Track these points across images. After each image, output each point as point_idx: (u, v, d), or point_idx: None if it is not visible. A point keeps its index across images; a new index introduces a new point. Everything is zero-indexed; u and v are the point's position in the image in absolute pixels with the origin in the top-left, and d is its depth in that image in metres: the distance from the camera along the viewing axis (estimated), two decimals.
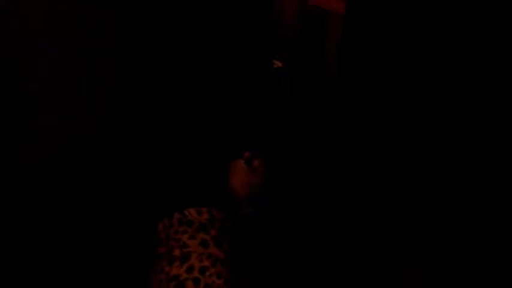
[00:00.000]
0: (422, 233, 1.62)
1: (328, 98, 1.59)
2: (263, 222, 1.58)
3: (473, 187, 1.59)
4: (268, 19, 1.57)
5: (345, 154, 1.63)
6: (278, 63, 1.58)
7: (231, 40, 1.56)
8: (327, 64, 1.57)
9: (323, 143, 1.63)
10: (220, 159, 1.54)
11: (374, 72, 1.58)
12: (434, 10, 1.54)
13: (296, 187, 1.64)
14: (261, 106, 1.60)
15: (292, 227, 1.63)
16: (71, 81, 1.69)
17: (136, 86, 1.63)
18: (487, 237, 1.58)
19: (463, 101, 1.60)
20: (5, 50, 1.66)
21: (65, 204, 1.67)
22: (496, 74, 1.51)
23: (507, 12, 1.57)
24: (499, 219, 1.56)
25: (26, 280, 1.66)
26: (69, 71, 1.69)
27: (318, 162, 1.65)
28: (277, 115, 1.60)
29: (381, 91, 1.59)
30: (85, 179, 1.69)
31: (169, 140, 1.57)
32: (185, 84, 1.58)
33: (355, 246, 1.64)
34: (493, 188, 1.58)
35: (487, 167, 1.58)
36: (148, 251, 1.48)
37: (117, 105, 1.69)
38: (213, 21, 1.56)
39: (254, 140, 1.55)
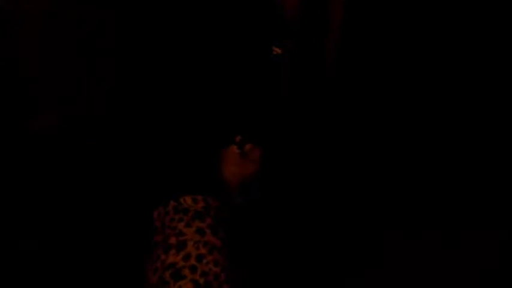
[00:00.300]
0: (403, 197, 1.57)
1: (328, 86, 1.54)
2: (254, 211, 1.51)
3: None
4: (268, 5, 1.53)
5: (343, 141, 1.57)
6: (278, 50, 1.53)
7: (231, 29, 1.51)
8: (328, 52, 1.52)
9: (322, 132, 1.57)
10: (214, 146, 1.49)
11: (376, 61, 1.53)
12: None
13: (292, 175, 1.58)
14: (258, 93, 1.55)
15: (284, 214, 1.57)
16: (71, 81, 1.66)
17: (136, 82, 1.59)
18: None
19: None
20: (5, 50, 1.63)
21: (65, 203, 1.63)
22: None
23: (507, 12, 1.54)
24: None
25: (26, 280, 1.59)
26: (69, 71, 1.66)
27: (316, 151, 1.59)
28: (275, 103, 1.55)
29: (382, 81, 1.54)
30: (84, 177, 1.65)
31: (165, 129, 1.52)
32: (182, 73, 1.53)
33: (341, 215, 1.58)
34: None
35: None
36: (144, 240, 1.42)
37: (118, 103, 1.64)
38: (213, 7, 1.52)
39: (248, 126, 1.50)
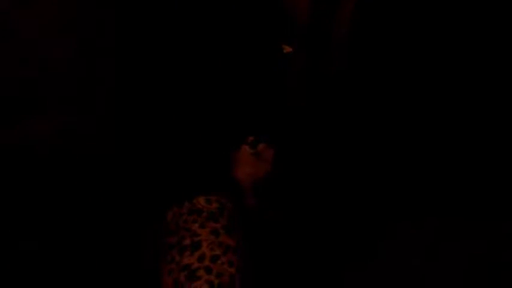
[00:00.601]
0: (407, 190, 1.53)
1: (338, 86, 1.50)
2: (266, 211, 1.47)
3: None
4: (276, 8, 1.48)
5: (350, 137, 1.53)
6: (288, 48, 1.48)
7: (237, 27, 1.46)
8: (337, 49, 1.47)
9: (330, 128, 1.53)
10: (227, 146, 1.43)
11: (384, 64, 1.49)
12: None
13: (302, 170, 1.54)
14: (268, 92, 1.50)
15: (298, 217, 1.52)
16: (71, 81, 1.60)
17: (137, 80, 1.53)
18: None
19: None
20: (6, 50, 1.55)
21: (65, 203, 1.56)
22: None
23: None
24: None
25: (26, 280, 1.52)
26: (69, 71, 1.60)
27: (325, 144, 1.54)
28: (286, 101, 1.50)
29: (389, 83, 1.50)
30: (85, 177, 1.59)
31: (174, 130, 1.46)
32: (189, 72, 1.48)
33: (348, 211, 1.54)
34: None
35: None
36: (158, 241, 1.36)
37: (118, 103, 1.59)
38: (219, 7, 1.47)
39: (260, 126, 1.45)
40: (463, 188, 1.52)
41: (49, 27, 1.58)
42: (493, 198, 1.50)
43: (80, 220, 1.59)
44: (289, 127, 1.50)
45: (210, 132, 1.48)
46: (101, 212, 1.59)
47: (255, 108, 1.50)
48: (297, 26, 1.48)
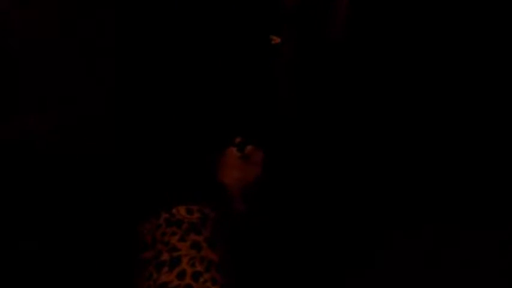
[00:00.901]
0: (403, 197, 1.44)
1: (330, 76, 1.37)
2: (257, 218, 1.35)
3: None
4: None
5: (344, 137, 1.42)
6: (276, 39, 1.34)
7: (229, 21, 1.35)
8: (331, 36, 1.34)
9: (322, 127, 1.42)
10: (211, 149, 1.32)
11: (381, 46, 1.35)
12: None
13: (294, 175, 1.43)
14: (256, 89, 1.38)
15: (287, 217, 1.42)
16: (71, 81, 1.55)
17: (136, 85, 1.45)
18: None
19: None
20: (6, 50, 1.51)
21: (65, 203, 1.53)
22: None
23: None
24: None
25: (26, 280, 1.48)
26: (69, 71, 1.55)
27: (317, 148, 1.43)
28: (275, 97, 1.38)
29: (386, 73, 1.37)
30: (84, 177, 1.54)
31: (160, 133, 1.37)
32: (181, 72, 1.38)
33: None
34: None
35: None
36: (133, 256, 1.26)
37: (117, 103, 1.55)
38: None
39: (248, 126, 1.33)
40: (460, 196, 1.44)
41: (49, 27, 1.53)
42: (489, 206, 1.42)
43: (79, 219, 1.53)
44: (280, 123, 1.38)
45: (195, 132, 1.36)
46: (100, 211, 1.52)
47: (242, 106, 1.38)
48: (288, 10, 1.34)
